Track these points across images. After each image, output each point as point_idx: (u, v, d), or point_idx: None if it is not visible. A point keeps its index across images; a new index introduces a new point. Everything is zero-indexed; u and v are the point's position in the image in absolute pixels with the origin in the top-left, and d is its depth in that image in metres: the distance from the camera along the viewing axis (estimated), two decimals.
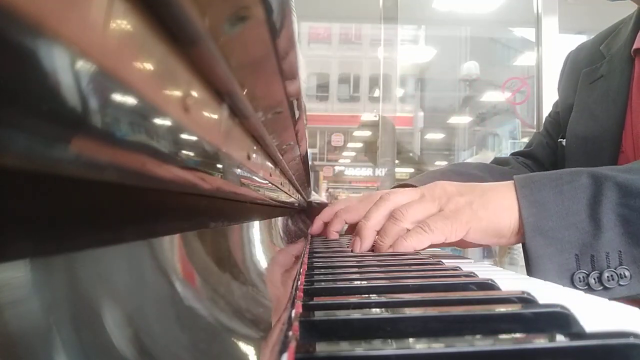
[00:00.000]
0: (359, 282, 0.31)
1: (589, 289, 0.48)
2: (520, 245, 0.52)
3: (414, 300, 0.25)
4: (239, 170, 0.26)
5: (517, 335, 0.20)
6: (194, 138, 0.17)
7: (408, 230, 0.53)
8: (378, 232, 0.56)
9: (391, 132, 3.76)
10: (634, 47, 0.76)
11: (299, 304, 0.23)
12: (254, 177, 0.31)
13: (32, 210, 0.10)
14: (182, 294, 0.16)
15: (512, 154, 0.98)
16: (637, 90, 0.74)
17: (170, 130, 0.14)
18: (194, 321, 0.16)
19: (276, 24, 0.17)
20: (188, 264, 0.19)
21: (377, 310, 0.23)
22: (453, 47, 3.90)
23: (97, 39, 0.09)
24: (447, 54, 3.96)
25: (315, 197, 1.43)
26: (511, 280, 0.40)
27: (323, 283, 0.31)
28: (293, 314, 0.22)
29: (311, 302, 0.24)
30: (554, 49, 2.67)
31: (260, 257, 0.33)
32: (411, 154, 3.85)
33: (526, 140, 1.04)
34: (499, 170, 0.87)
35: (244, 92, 0.21)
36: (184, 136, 0.16)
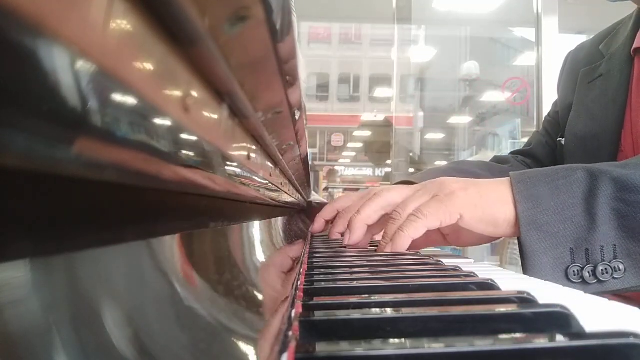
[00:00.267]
0: (358, 282, 0.31)
1: (583, 282, 0.48)
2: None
3: (414, 300, 0.25)
4: (238, 170, 0.26)
5: (517, 335, 0.20)
6: (194, 138, 0.17)
7: None
8: (371, 229, 0.56)
9: (404, 132, 3.78)
10: (634, 46, 0.76)
11: (299, 304, 0.23)
12: (254, 177, 0.31)
13: (32, 210, 0.10)
14: (182, 294, 0.16)
15: (512, 153, 0.99)
16: (636, 89, 0.74)
17: (170, 130, 0.14)
18: (194, 321, 0.16)
19: (276, 24, 0.17)
20: (188, 264, 0.19)
21: (377, 310, 0.23)
22: (453, 47, 3.90)
23: (97, 39, 0.09)
24: (447, 54, 3.96)
25: (315, 197, 1.43)
26: (511, 280, 0.40)
27: (323, 283, 0.31)
28: (293, 314, 0.22)
29: (311, 302, 0.24)
30: (554, 49, 2.67)
31: (260, 257, 0.33)
32: (411, 154, 3.85)
33: (526, 140, 1.04)
34: (498, 168, 0.88)
35: (244, 92, 0.21)
36: (183, 136, 0.16)
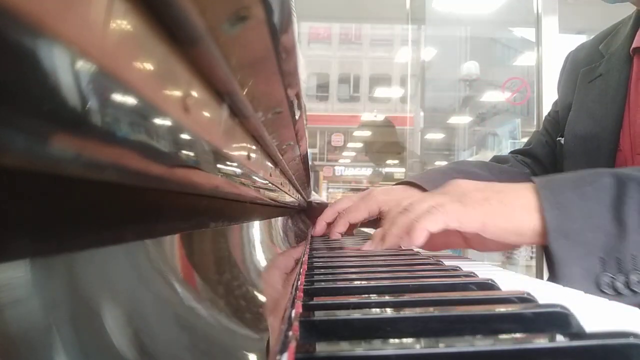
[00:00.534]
0: (359, 282, 0.31)
1: (617, 294, 0.46)
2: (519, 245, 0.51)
3: (414, 300, 0.25)
4: (238, 170, 0.26)
5: (517, 335, 0.20)
6: (194, 138, 0.17)
7: None
8: (384, 221, 0.54)
9: (418, 133, 3.79)
10: (633, 45, 0.76)
11: (299, 304, 0.23)
12: (253, 177, 0.31)
13: (32, 210, 0.10)
14: (181, 294, 0.16)
15: (511, 152, 0.98)
16: (635, 88, 0.74)
17: (170, 130, 0.14)
18: (194, 321, 0.16)
19: (276, 24, 0.17)
20: (188, 263, 0.19)
21: (377, 310, 0.23)
22: (453, 47, 3.90)
23: (97, 39, 0.09)
24: (447, 54, 3.96)
25: (315, 197, 1.43)
26: (511, 280, 0.40)
27: (323, 283, 0.31)
28: (293, 314, 0.22)
29: (311, 302, 0.24)
30: (554, 49, 2.67)
31: (260, 257, 0.33)
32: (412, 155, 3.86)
33: (526, 140, 1.04)
34: (498, 168, 0.87)
35: (244, 92, 0.21)
36: (183, 136, 0.16)
